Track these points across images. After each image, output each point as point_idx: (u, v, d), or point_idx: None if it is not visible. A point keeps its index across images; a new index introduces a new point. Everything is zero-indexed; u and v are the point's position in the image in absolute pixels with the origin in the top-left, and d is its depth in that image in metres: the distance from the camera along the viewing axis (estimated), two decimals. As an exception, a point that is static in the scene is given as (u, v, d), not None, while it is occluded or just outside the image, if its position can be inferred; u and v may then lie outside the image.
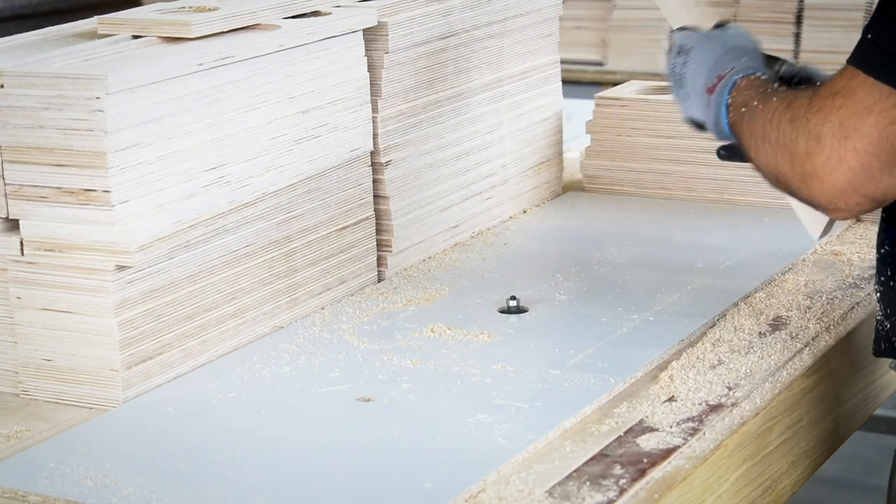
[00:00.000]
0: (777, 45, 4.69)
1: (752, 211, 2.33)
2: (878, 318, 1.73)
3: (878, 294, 1.72)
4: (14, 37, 1.87)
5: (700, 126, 1.81)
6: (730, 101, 1.73)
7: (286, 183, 1.89)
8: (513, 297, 1.93)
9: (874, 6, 1.56)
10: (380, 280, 2.08)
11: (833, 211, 1.58)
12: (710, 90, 1.76)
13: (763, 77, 1.73)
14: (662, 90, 2.48)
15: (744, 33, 1.83)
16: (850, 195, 1.54)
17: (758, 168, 1.67)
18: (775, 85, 1.69)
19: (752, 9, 4.62)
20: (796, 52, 4.70)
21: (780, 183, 1.63)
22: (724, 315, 1.90)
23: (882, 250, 1.69)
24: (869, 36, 1.53)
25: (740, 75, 1.73)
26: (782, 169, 1.60)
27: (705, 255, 2.13)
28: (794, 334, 1.83)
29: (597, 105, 2.47)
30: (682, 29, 1.86)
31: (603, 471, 1.49)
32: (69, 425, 1.63)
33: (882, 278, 1.71)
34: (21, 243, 1.68)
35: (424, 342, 1.82)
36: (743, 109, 1.69)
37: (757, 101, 1.67)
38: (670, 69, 1.84)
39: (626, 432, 1.57)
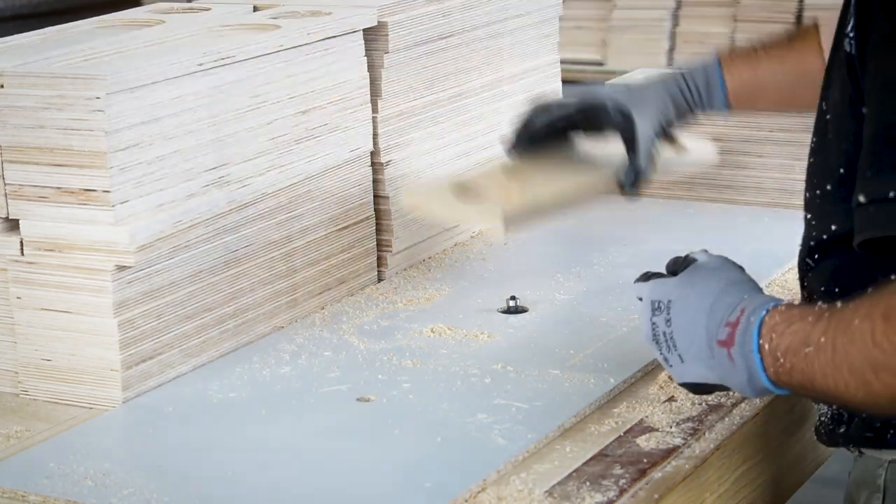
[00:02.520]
0: (777, 45, 4.70)
1: (752, 211, 2.33)
2: (824, 420, 1.58)
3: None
4: (14, 37, 1.87)
5: (704, 388, 1.49)
6: (765, 345, 1.39)
7: (286, 183, 1.89)
8: (513, 297, 1.93)
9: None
10: (380, 280, 2.08)
11: None
12: (726, 343, 1.43)
13: (792, 302, 1.43)
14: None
15: (720, 260, 1.54)
16: None
17: (871, 407, 1.38)
18: (822, 304, 1.38)
19: (752, 9, 4.62)
20: (796, 52, 4.70)
21: None
22: (724, 315, 1.89)
23: None
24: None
25: (764, 311, 1.41)
26: None
27: (705, 255, 2.13)
28: (794, 334, 1.83)
29: (597, 105, 2.47)
30: (645, 278, 1.55)
31: (603, 471, 1.49)
32: (69, 425, 1.63)
33: None
34: (21, 243, 1.68)
35: (424, 342, 1.82)
36: (807, 350, 1.35)
37: (822, 336, 1.34)
38: (651, 332, 1.50)
39: (625, 432, 1.57)
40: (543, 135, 1.91)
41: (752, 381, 1.41)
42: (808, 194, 1.56)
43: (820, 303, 1.39)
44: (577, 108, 1.89)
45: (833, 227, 1.52)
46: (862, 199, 1.36)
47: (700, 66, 1.89)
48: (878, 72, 1.37)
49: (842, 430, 1.56)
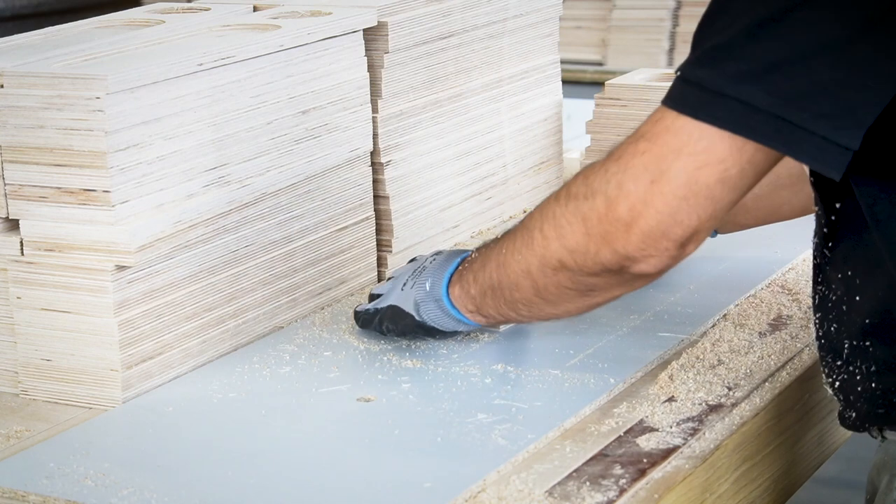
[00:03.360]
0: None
1: (752, 211, 2.33)
2: (840, 409, 1.60)
3: (837, 384, 1.59)
4: (14, 37, 1.87)
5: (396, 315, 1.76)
6: (460, 268, 1.70)
7: (286, 183, 1.89)
8: (512, 297, 1.94)
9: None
10: (380, 280, 2.08)
11: (643, 260, 1.45)
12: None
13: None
14: (670, 78, 2.47)
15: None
16: (658, 240, 1.44)
17: (515, 292, 1.59)
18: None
19: (752, 9, 4.61)
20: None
21: (563, 268, 1.51)
22: (725, 315, 1.89)
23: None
24: (678, 74, 1.44)
25: (468, 253, 1.70)
26: (572, 242, 1.49)
27: (705, 256, 2.12)
28: (794, 334, 1.83)
29: (597, 105, 2.47)
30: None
31: (603, 471, 1.49)
32: (69, 425, 1.63)
33: (849, 366, 1.57)
34: (21, 243, 1.68)
35: (424, 342, 1.82)
36: (490, 244, 1.65)
37: (502, 234, 1.62)
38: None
39: (626, 432, 1.57)
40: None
41: (433, 290, 1.69)
42: (812, 178, 1.56)
43: None
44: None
45: (837, 206, 1.54)
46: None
47: None
48: None
49: (857, 407, 1.57)
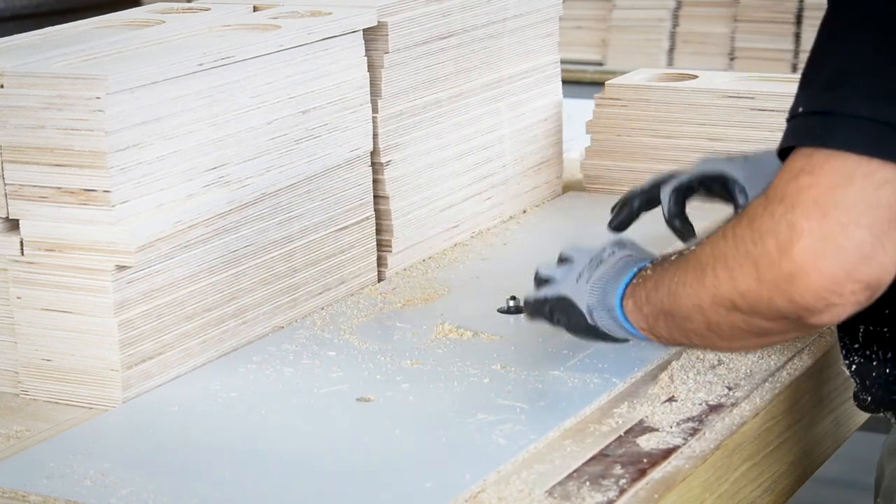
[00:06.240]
0: (777, 45, 4.70)
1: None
2: (855, 390, 1.62)
3: (854, 367, 1.59)
4: (14, 37, 1.87)
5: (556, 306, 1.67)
6: (634, 280, 1.58)
7: (286, 183, 1.89)
8: (513, 297, 1.93)
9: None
10: (380, 280, 2.08)
11: (825, 311, 1.31)
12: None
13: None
14: (669, 78, 2.48)
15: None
16: (843, 283, 1.28)
17: (687, 322, 1.48)
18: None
19: (752, 9, 4.62)
20: (796, 52, 4.70)
21: (736, 310, 1.39)
22: (724, 315, 1.89)
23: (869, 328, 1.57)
24: (800, 111, 1.34)
25: (644, 264, 1.59)
26: (744, 287, 1.36)
27: (705, 255, 2.12)
28: (794, 334, 1.83)
29: (597, 105, 2.47)
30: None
31: (603, 471, 1.49)
32: (69, 425, 1.63)
33: (865, 350, 1.59)
34: (21, 243, 1.68)
35: (424, 342, 1.82)
36: (665, 263, 1.53)
37: (676, 256, 1.51)
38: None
39: (626, 432, 1.57)
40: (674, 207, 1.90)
41: (604, 300, 1.60)
42: None
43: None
44: (697, 179, 1.88)
45: None
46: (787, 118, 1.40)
47: None
48: None
49: (872, 391, 1.59)
